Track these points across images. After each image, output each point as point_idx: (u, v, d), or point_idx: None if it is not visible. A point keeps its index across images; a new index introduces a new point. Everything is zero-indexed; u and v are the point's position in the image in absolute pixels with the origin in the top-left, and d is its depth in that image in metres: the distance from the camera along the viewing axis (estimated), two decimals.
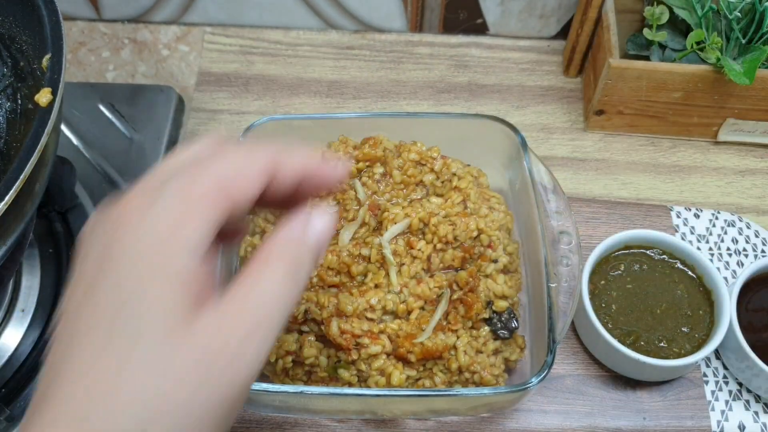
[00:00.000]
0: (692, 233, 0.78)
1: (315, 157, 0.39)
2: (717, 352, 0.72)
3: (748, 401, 0.69)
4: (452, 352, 0.63)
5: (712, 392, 0.70)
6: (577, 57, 0.92)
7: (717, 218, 0.79)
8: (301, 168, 0.39)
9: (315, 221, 0.38)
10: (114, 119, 0.89)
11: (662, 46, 0.85)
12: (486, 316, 0.64)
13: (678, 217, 0.79)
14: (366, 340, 0.62)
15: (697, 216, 0.80)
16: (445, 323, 0.63)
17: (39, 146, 0.54)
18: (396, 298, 0.64)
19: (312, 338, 0.63)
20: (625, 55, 0.86)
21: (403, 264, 0.65)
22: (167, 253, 0.34)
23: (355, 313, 0.62)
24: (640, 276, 0.72)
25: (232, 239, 0.43)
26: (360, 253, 0.65)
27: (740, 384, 0.70)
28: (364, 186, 0.70)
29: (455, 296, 0.64)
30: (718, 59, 0.79)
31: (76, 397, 0.32)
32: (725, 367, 0.71)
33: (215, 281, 0.35)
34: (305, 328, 0.63)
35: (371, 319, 0.63)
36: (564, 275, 0.64)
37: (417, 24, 0.98)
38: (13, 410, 0.70)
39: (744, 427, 0.68)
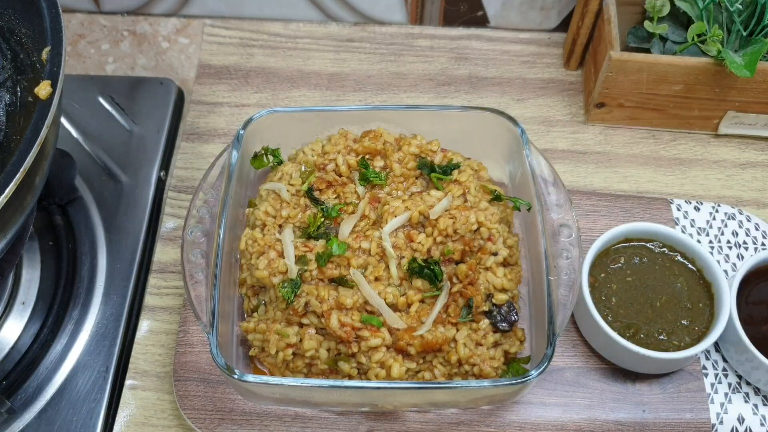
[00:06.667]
0: (692, 226, 0.78)
1: None
2: (716, 345, 0.72)
3: (747, 394, 0.70)
4: (452, 345, 0.63)
5: (712, 385, 0.70)
6: (577, 49, 0.91)
7: (717, 211, 0.79)
8: None
9: None
10: (114, 112, 0.89)
11: (663, 39, 0.84)
12: (486, 308, 0.64)
13: (678, 210, 0.79)
14: (366, 333, 0.62)
15: (697, 209, 0.80)
16: (445, 316, 0.63)
17: (39, 139, 0.54)
18: (396, 291, 0.64)
19: (312, 331, 0.63)
20: (625, 48, 0.86)
21: (403, 257, 0.65)
22: None
23: (355, 306, 0.63)
24: (640, 269, 0.72)
25: None
26: (360, 246, 0.65)
27: (739, 377, 0.70)
28: None
29: (455, 289, 0.64)
30: (719, 52, 0.78)
31: None
32: (725, 360, 0.71)
33: None
34: (305, 320, 0.63)
35: (371, 312, 0.63)
36: (564, 268, 0.64)
37: (417, 16, 0.98)
38: (14, 402, 0.70)
39: (743, 420, 0.68)
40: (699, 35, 0.80)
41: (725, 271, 0.76)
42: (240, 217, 0.72)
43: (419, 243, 0.65)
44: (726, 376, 0.70)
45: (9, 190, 0.52)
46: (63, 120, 0.87)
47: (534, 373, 0.59)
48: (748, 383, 0.70)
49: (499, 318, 0.64)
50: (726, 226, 0.79)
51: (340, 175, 0.70)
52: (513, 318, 0.65)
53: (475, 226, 0.65)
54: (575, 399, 0.69)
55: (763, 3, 0.78)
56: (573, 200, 0.73)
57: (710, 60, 0.79)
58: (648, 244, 0.73)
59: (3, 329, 0.74)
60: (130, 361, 0.74)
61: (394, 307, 0.63)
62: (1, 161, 0.64)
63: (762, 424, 0.68)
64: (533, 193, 0.67)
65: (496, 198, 0.70)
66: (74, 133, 0.87)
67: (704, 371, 0.71)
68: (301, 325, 0.64)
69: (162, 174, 0.86)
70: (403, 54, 0.96)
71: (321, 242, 0.66)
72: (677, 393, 0.69)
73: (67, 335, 0.74)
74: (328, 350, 0.63)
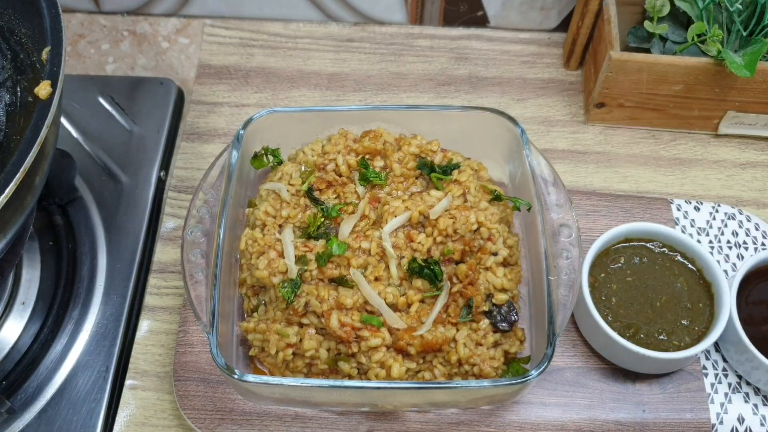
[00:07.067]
0: (692, 226, 0.78)
1: None
2: (716, 345, 0.72)
3: (747, 394, 0.70)
4: (452, 345, 0.63)
5: (712, 385, 0.70)
6: (577, 49, 0.91)
7: (717, 211, 0.79)
8: None
9: None
10: (114, 112, 0.89)
11: (663, 39, 0.84)
12: (486, 308, 0.64)
13: (678, 210, 0.79)
14: (366, 333, 0.62)
15: (697, 209, 0.80)
16: (445, 316, 0.63)
17: (39, 139, 0.54)
18: (396, 291, 0.64)
19: (312, 331, 0.63)
20: (625, 48, 0.86)
21: (403, 257, 0.65)
22: None
23: (355, 306, 0.63)
24: (640, 269, 0.72)
25: None
26: (360, 246, 0.65)
27: (739, 376, 0.70)
28: None
29: (455, 289, 0.64)
30: (719, 52, 0.78)
31: None
32: (725, 360, 0.71)
33: None
34: (305, 320, 0.63)
35: (371, 312, 0.63)
36: (564, 268, 0.64)
37: (417, 16, 0.98)
38: (14, 402, 0.70)
39: (743, 420, 0.68)
40: (699, 35, 0.80)
41: (725, 271, 0.76)
42: (240, 217, 0.72)
43: (419, 243, 0.65)
44: (726, 376, 0.70)
45: (9, 190, 0.52)
46: (63, 120, 0.87)
47: (534, 373, 0.59)
48: (748, 383, 0.70)
49: (499, 318, 0.64)
50: (726, 226, 0.79)
51: (340, 175, 0.70)
52: (513, 318, 0.65)
53: (475, 226, 0.65)
54: (575, 399, 0.69)
55: (763, 3, 0.78)
56: (573, 200, 0.73)
57: (710, 60, 0.79)
58: (648, 244, 0.73)
59: (3, 329, 0.74)
60: (130, 361, 0.74)
61: (394, 307, 0.63)
62: (1, 161, 0.64)
63: (762, 424, 0.68)
64: (533, 193, 0.67)
65: (496, 198, 0.70)
66: (74, 133, 0.87)
67: (704, 371, 0.71)
68: (301, 325, 0.64)
69: (162, 174, 0.86)
70: (403, 54, 0.96)
71: (321, 242, 0.65)
72: (677, 393, 0.69)
73: (67, 335, 0.74)
74: (328, 350, 0.63)
